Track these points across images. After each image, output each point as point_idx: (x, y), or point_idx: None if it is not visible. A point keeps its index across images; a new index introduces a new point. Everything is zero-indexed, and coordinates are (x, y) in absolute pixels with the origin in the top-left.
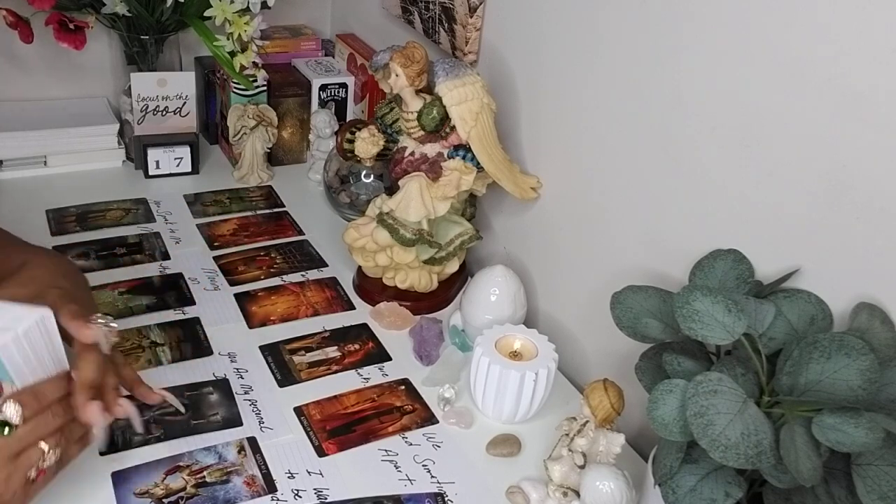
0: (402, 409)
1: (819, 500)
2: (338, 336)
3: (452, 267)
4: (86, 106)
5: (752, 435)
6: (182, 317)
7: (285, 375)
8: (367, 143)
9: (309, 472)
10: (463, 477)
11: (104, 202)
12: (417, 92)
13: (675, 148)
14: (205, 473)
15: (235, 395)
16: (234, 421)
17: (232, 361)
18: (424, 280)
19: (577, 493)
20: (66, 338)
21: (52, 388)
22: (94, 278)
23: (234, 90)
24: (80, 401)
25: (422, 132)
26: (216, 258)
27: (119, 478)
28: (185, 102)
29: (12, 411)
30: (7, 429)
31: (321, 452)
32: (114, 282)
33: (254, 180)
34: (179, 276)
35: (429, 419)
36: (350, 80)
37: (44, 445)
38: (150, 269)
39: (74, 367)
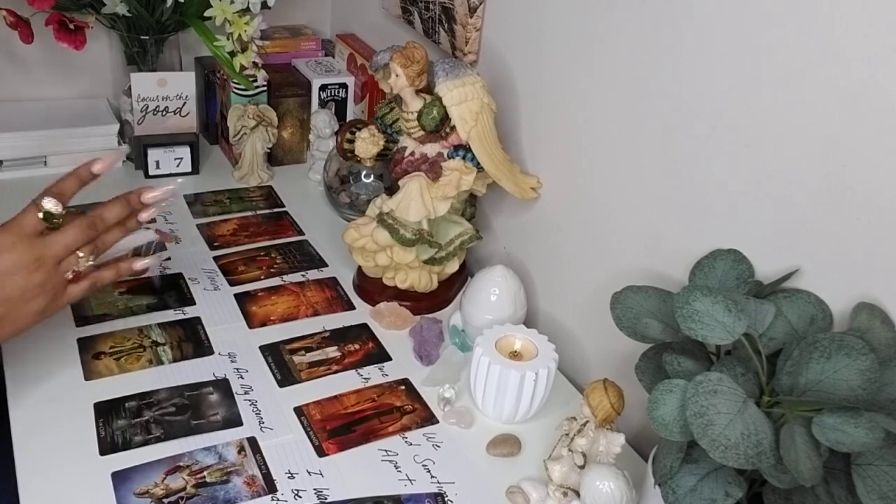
0: (402, 409)
1: (819, 500)
2: (338, 336)
3: (452, 267)
4: (86, 106)
5: (752, 435)
6: (182, 317)
7: (285, 375)
8: (367, 143)
9: (309, 472)
10: (463, 477)
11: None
12: (417, 92)
13: (676, 148)
14: (205, 473)
15: (235, 395)
16: (234, 421)
17: (232, 361)
18: (424, 280)
19: (577, 493)
20: None
21: (88, 215)
22: None
23: (234, 90)
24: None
25: (422, 132)
26: (216, 258)
27: (119, 478)
28: (185, 102)
29: (51, 204)
30: (54, 220)
31: (321, 452)
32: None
33: (254, 180)
34: (179, 276)
35: (429, 419)
36: (350, 80)
37: (80, 253)
38: (151, 269)
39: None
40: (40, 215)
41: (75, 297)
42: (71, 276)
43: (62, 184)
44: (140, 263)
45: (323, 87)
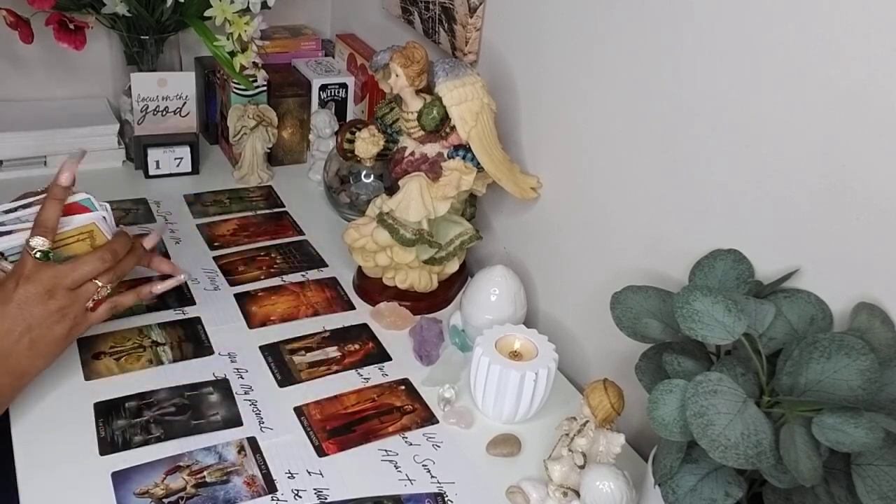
0: (402, 409)
1: (819, 500)
2: (338, 336)
3: (452, 267)
4: (86, 106)
5: (752, 435)
6: (182, 317)
7: (285, 375)
8: (367, 143)
9: (309, 472)
10: (463, 477)
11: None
12: (417, 92)
13: (676, 148)
14: (205, 473)
15: (235, 395)
16: (234, 421)
17: (232, 361)
18: (424, 280)
19: (577, 493)
20: None
21: (103, 248)
22: None
23: (235, 90)
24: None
25: (422, 132)
26: (216, 258)
27: (119, 478)
28: (185, 102)
29: (39, 242)
30: (49, 255)
31: (321, 452)
32: None
33: (254, 180)
34: None
35: (429, 419)
36: (350, 80)
37: (98, 281)
38: (150, 270)
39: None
40: (37, 256)
41: (97, 321)
42: (91, 304)
43: (44, 216)
44: (160, 287)
45: (323, 87)
